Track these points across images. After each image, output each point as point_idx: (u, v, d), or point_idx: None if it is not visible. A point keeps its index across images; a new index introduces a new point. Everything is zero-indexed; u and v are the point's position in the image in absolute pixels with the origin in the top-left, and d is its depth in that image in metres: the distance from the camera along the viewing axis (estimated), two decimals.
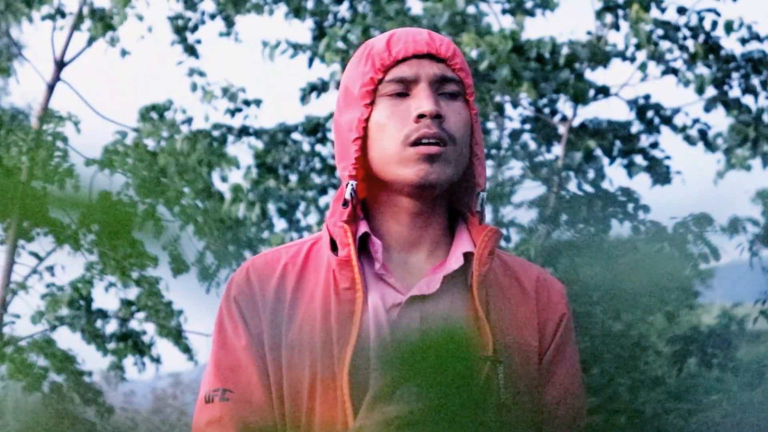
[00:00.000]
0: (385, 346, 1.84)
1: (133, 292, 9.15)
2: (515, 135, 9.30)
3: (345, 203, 1.92)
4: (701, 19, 8.71)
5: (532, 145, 9.17)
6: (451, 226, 1.98)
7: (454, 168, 1.91)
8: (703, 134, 9.31)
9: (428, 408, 1.42)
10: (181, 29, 10.05)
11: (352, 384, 1.84)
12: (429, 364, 1.34)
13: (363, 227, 1.93)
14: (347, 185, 1.92)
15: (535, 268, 2.02)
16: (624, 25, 8.79)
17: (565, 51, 8.66)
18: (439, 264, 1.93)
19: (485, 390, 1.85)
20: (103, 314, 9.33)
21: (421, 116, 1.89)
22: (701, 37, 8.71)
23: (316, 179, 10.07)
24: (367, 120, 1.93)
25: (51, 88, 9.17)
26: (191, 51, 10.06)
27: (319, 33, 9.69)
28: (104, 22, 9.07)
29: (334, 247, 1.92)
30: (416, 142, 1.89)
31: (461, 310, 1.90)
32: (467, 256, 1.93)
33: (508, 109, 9.41)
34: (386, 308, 1.88)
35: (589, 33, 8.96)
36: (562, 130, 9.08)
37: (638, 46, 8.75)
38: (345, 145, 1.95)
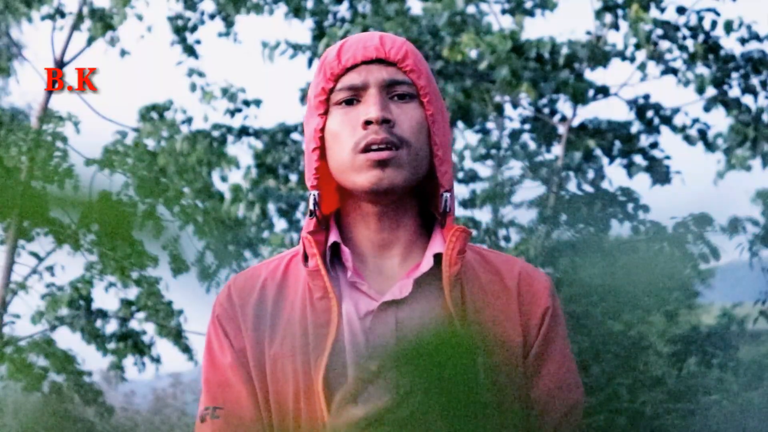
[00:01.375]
0: (360, 353, 1.85)
1: (133, 292, 9.14)
2: (515, 135, 9.31)
3: (311, 213, 1.93)
4: (701, 19, 8.71)
5: (532, 145, 9.17)
6: (428, 227, 1.98)
7: (408, 171, 1.90)
8: (702, 134, 9.31)
9: (416, 408, 1.40)
10: (180, 29, 10.05)
11: (327, 393, 1.85)
12: (404, 370, 1.34)
13: (333, 236, 1.94)
14: (311, 195, 1.94)
15: (517, 263, 2.00)
16: (623, 24, 8.79)
17: (564, 51, 8.67)
18: (414, 267, 1.93)
19: (463, 388, 1.85)
20: (103, 314, 9.33)
21: (368, 123, 1.90)
22: (701, 37, 8.71)
23: None
24: (322, 130, 1.94)
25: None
26: (191, 51, 10.06)
27: (319, 33, 9.69)
28: (104, 22, 9.06)
29: (306, 258, 1.94)
30: (366, 149, 1.89)
31: (435, 313, 1.89)
32: (438, 258, 1.92)
33: (508, 109, 9.42)
34: (360, 316, 1.89)
35: (588, 33, 8.96)
36: (561, 130, 9.08)
37: (638, 46, 8.75)
38: (308, 155, 1.97)
